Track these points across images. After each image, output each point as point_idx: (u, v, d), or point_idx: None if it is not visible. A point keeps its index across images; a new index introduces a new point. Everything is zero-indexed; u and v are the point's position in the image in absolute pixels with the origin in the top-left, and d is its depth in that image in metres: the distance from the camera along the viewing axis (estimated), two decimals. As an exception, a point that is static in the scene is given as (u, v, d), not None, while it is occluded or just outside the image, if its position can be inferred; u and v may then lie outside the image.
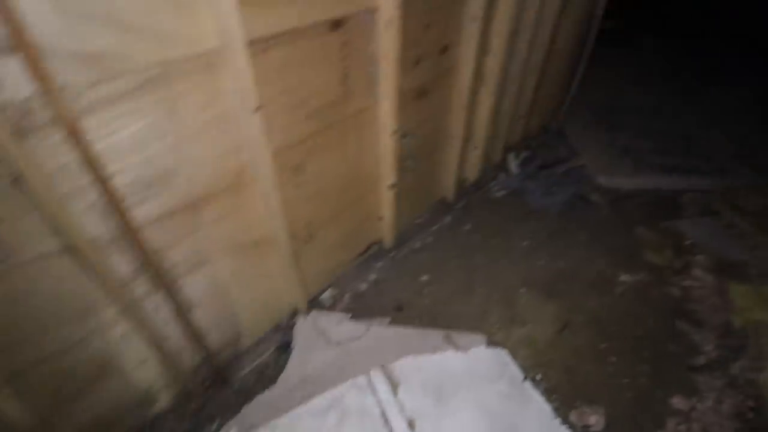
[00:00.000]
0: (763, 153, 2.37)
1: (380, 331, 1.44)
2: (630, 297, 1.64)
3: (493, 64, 1.71)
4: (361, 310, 1.58)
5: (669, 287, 1.67)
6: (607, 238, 1.90)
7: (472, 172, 2.14)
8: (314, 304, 1.58)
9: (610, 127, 2.61)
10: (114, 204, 0.83)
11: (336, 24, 1.08)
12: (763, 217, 1.84)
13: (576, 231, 1.96)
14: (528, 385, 1.28)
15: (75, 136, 0.72)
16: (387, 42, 1.21)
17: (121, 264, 0.92)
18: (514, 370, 1.31)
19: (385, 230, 1.74)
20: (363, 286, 1.68)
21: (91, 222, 0.83)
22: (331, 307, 1.59)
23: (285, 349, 1.43)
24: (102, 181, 0.79)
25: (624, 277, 1.72)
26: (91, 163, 0.76)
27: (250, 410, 1.22)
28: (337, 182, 1.40)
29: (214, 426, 1.24)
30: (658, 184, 2.14)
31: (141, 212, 0.90)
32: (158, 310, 1.05)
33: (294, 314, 1.51)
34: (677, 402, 1.31)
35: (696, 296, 1.63)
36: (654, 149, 2.39)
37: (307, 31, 1.02)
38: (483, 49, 1.61)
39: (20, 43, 0.62)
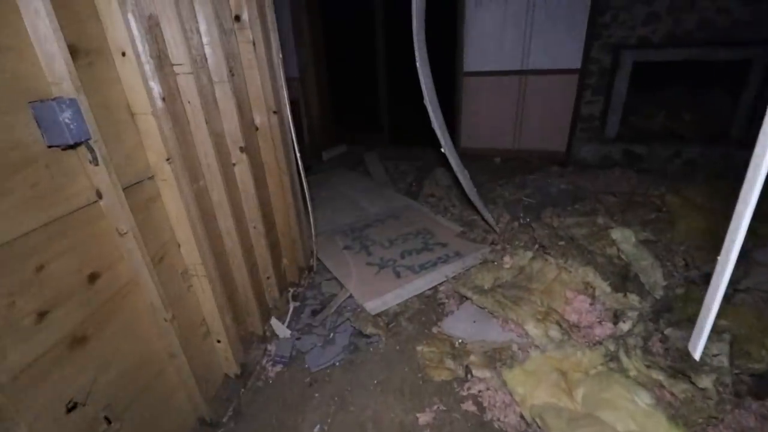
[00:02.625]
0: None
1: None
2: (437, 442, 1.46)
3: (192, 254, 1.42)
4: None
5: (465, 405, 1.59)
6: (395, 375, 1.75)
7: (229, 366, 1.72)
8: None
9: (361, 244, 2.69)
10: None
11: None
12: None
13: (365, 381, 1.74)
14: None
15: None
16: None
17: None
18: None
19: None
20: None
21: None
22: None
23: None
24: None
25: (424, 418, 1.55)
26: None
27: None
28: None
29: None
30: (417, 287, 2.21)
31: None
32: None
33: None
34: None
35: (488, 402, 1.59)
36: (402, 252, 2.55)
37: None
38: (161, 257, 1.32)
39: None
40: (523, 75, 4.12)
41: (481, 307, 1.93)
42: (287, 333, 1.95)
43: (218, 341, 1.64)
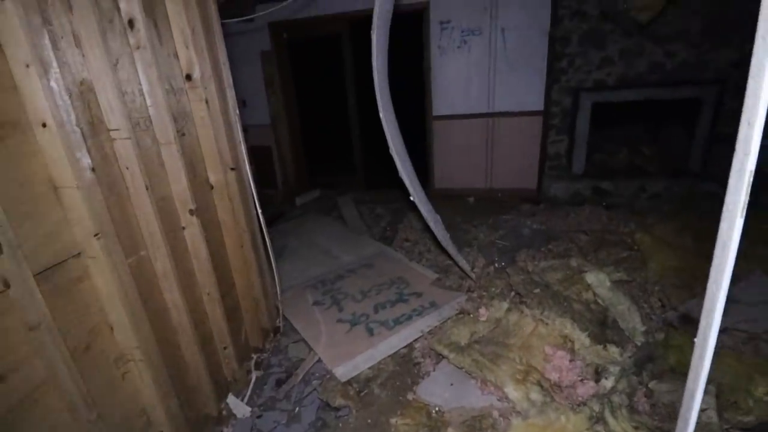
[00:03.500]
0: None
1: None
2: None
3: (127, 337, 1.26)
4: None
5: (444, 487, 1.42)
6: (367, 453, 1.58)
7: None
8: None
9: (332, 299, 2.55)
10: None
11: None
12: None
13: (334, 463, 1.56)
14: None
15: None
16: None
17: None
18: None
19: None
20: None
21: None
22: None
23: None
24: None
25: None
26: None
27: None
28: None
29: None
30: (392, 346, 2.06)
31: None
32: None
33: None
34: None
35: (469, 482, 1.43)
36: (376, 305, 2.42)
37: None
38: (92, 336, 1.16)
39: None
40: (491, 117, 4.24)
41: (458, 367, 1.80)
42: (246, 411, 1.75)
43: (158, 432, 1.44)
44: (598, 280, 2.04)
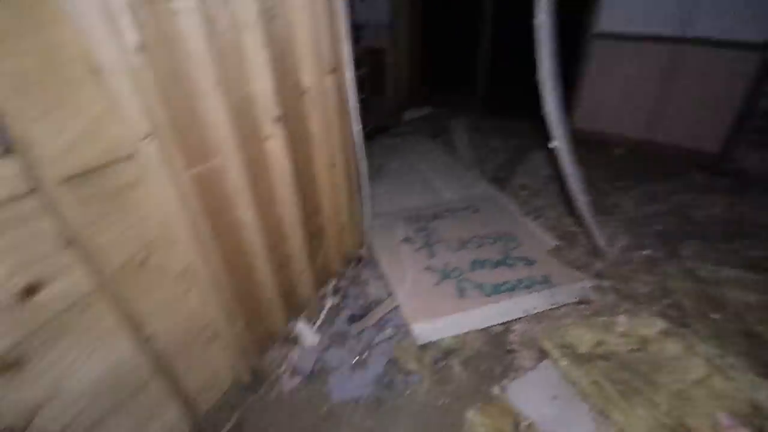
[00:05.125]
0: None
1: None
2: None
3: (189, 252, 1.07)
4: None
5: None
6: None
7: (238, 374, 1.43)
8: None
9: (425, 239, 2.20)
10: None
11: None
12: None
13: (393, 438, 1.35)
14: None
15: None
16: None
17: None
18: None
19: None
20: None
21: None
22: None
23: None
24: None
25: None
26: None
27: None
28: None
29: None
30: (484, 318, 1.70)
31: None
32: None
33: None
34: None
35: None
36: (473, 261, 2.02)
37: None
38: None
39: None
40: (679, 43, 3.03)
41: (569, 381, 1.38)
42: (315, 340, 1.60)
43: (225, 348, 1.34)
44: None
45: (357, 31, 4.34)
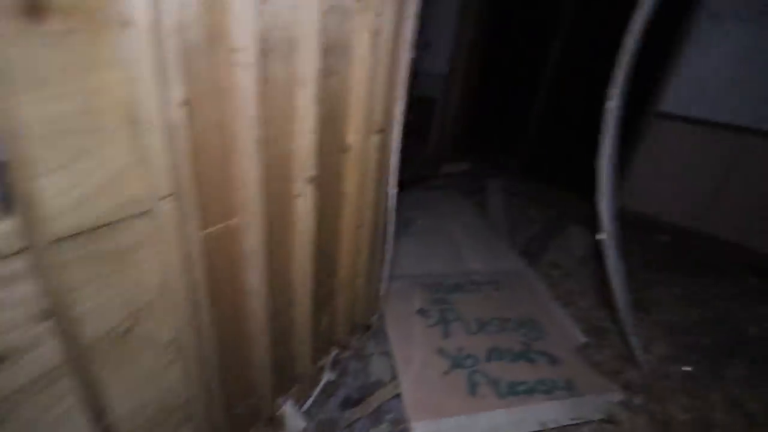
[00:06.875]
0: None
1: None
2: None
3: (179, 320, 0.99)
4: None
5: None
6: None
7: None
8: None
9: (441, 314, 2.05)
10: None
11: None
12: None
13: None
14: None
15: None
16: None
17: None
18: None
19: None
20: None
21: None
22: None
23: None
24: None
25: None
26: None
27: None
28: None
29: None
30: (494, 426, 1.51)
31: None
32: None
33: None
34: None
35: None
36: (491, 350, 1.84)
37: None
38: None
39: None
40: (749, 135, 2.84)
41: None
42: (300, 426, 1.45)
43: None
44: None
45: (413, 78, 4.40)
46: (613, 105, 1.40)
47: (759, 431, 1.52)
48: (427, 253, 2.58)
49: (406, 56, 1.33)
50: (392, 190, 1.59)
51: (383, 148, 1.47)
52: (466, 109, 4.43)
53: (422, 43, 4.42)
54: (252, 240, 1.09)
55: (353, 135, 1.32)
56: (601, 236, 1.61)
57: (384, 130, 1.42)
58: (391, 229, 1.71)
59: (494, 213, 3.27)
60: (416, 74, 4.56)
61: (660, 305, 2.34)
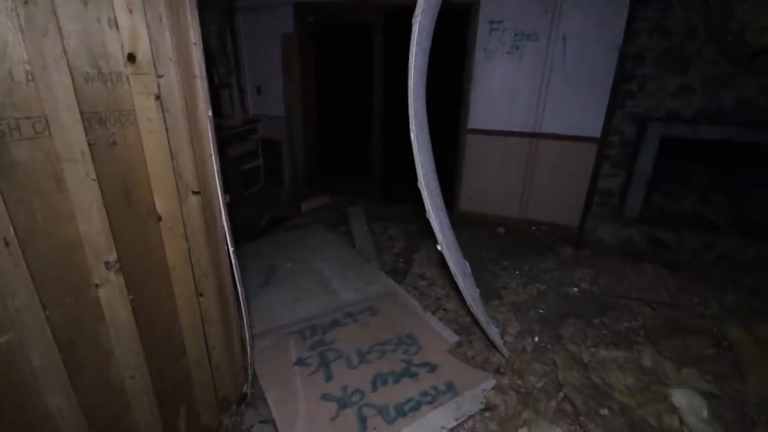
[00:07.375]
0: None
1: None
2: None
3: None
4: None
5: None
6: None
7: None
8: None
9: (321, 358, 1.99)
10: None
11: None
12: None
13: None
14: None
15: None
16: None
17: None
18: None
19: None
20: None
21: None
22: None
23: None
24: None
25: None
26: None
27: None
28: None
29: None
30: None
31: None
32: None
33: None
34: None
35: None
36: (375, 377, 1.85)
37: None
38: None
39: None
40: (535, 138, 3.62)
41: None
42: None
43: None
44: (691, 406, 1.44)
45: (252, 123, 4.37)
46: (413, 135, 1.59)
47: (592, 376, 1.84)
48: (296, 298, 2.49)
49: (205, 114, 1.29)
50: (231, 247, 1.49)
51: (207, 208, 1.38)
52: (312, 147, 4.56)
53: (254, 89, 4.44)
54: (38, 356, 0.88)
55: (163, 203, 1.21)
56: (439, 246, 1.79)
57: (201, 191, 1.33)
58: (241, 288, 1.60)
59: (360, 239, 3.38)
60: (256, 118, 4.57)
61: (508, 288, 2.71)
